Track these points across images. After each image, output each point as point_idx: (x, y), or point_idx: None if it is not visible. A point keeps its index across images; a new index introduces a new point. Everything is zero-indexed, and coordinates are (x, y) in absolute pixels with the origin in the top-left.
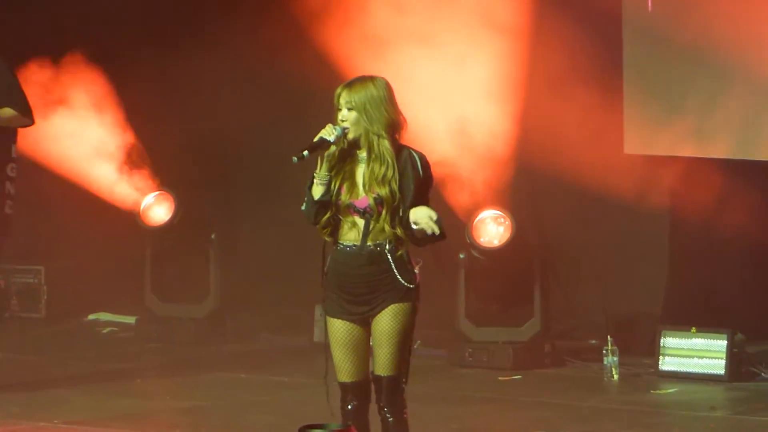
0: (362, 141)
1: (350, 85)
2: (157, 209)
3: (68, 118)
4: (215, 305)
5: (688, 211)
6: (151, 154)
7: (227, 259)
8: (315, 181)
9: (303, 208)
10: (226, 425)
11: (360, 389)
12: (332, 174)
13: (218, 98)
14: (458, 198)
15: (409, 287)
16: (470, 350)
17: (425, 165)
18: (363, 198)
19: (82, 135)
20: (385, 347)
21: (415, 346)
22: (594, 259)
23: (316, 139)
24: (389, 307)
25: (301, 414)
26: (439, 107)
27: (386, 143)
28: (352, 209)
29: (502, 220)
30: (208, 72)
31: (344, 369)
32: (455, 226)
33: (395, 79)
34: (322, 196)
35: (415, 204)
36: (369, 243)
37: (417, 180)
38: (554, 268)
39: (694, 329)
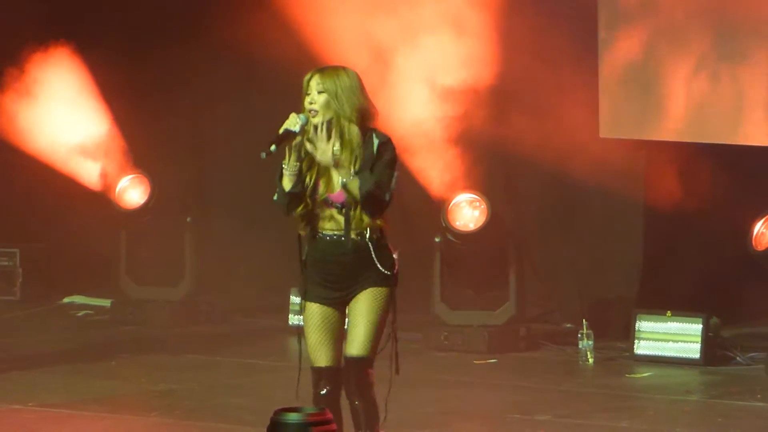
0: (334, 126)
1: (322, 70)
2: (133, 192)
3: (44, 100)
4: (190, 288)
5: (663, 195)
6: (127, 137)
7: (202, 242)
8: (284, 172)
9: (275, 198)
10: (200, 407)
11: (333, 374)
12: (301, 164)
13: (195, 81)
14: (433, 182)
15: (387, 274)
16: (446, 334)
17: (382, 144)
18: (339, 192)
19: (59, 118)
20: (360, 326)
21: (388, 332)
22: (569, 243)
23: (281, 131)
24: (366, 290)
25: (276, 397)
26: (415, 89)
27: (355, 129)
28: (329, 203)
29: (478, 203)
30: (187, 54)
31: (318, 353)
32: (430, 210)
33: (376, 64)
34: (294, 187)
35: None
36: (352, 233)
37: (370, 160)
38: (529, 251)
39: (669, 313)
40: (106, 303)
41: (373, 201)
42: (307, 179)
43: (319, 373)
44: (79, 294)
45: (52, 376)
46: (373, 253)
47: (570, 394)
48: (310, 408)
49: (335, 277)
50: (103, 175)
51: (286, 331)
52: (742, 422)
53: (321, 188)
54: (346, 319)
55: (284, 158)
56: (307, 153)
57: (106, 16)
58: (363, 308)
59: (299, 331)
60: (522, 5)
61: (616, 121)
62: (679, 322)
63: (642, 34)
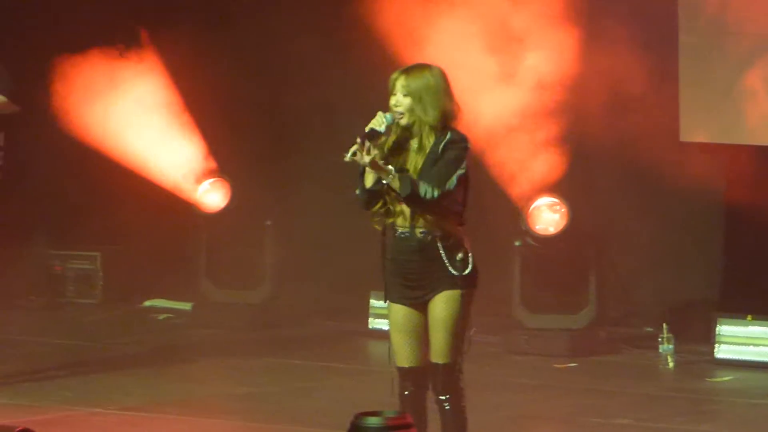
0: (414, 129)
1: (408, 71)
2: (213, 196)
3: (126, 104)
4: (270, 291)
5: (744, 199)
6: (208, 140)
7: (282, 245)
8: (367, 170)
9: (357, 192)
10: (279, 411)
11: (417, 375)
12: (384, 162)
13: (276, 84)
14: (514, 185)
15: (460, 275)
16: (526, 337)
17: (450, 143)
18: None
19: (140, 121)
20: (439, 333)
21: (470, 333)
22: (650, 247)
23: (367, 129)
24: (441, 293)
25: (355, 401)
26: (495, 95)
27: (432, 138)
28: (400, 198)
29: (558, 207)
30: (269, 57)
31: (402, 354)
32: (511, 214)
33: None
34: (374, 184)
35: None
36: (417, 231)
37: (433, 158)
38: (609, 255)
39: (750, 317)
40: (186, 306)
41: (414, 201)
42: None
43: (403, 373)
44: (159, 297)
45: (132, 380)
46: (441, 251)
47: (650, 397)
48: (390, 411)
49: (412, 276)
50: (186, 179)
51: (365, 335)
52: None
53: None
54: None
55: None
56: (389, 151)
57: (186, 19)
58: (439, 315)
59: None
60: (604, 8)
61: (696, 124)
62: (761, 326)
63: (722, 37)
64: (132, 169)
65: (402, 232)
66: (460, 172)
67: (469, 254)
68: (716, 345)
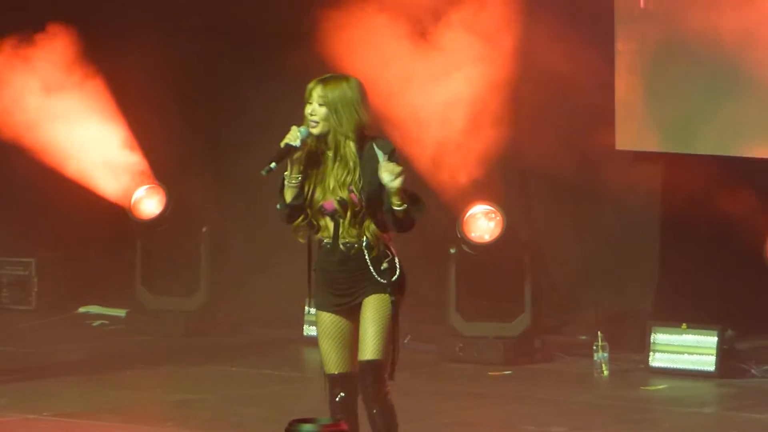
0: (329, 139)
1: (325, 81)
2: (148, 202)
3: (60, 110)
4: (206, 298)
5: (679, 208)
6: (143, 146)
7: (218, 252)
8: (285, 183)
9: (278, 207)
10: (215, 418)
11: (347, 381)
12: (302, 176)
13: (211, 91)
14: (449, 193)
15: (388, 281)
16: (460, 345)
17: (391, 157)
18: (330, 201)
19: (75, 127)
20: (369, 331)
21: (405, 341)
22: (585, 255)
23: (282, 145)
24: (370, 296)
25: (291, 407)
26: (430, 101)
27: (351, 146)
28: (323, 212)
29: (493, 215)
30: (205, 63)
31: (331, 360)
32: (446, 221)
33: (390, 72)
34: (295, 199)
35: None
36: (341, 243)
37: (372, 168)
38: (545, 263)
39: (684, 325)
40: (121, 313)
41: (411, 223)
42: (306, 188)
43: (333, 380)
44: (94, 304)
45: (67, 386)
46: (368, 260)
47: (585, 406)
48: (324, 419)
49: (339, 285)
50: (120, 185)
51: (301, 342)
52: None
53: (317, 196)
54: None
55: (286, 169)
56: (306, 164)
57: (125, 27)
58: (368, 315)
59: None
60: (539, 18)
61: (632, 133)
62: (695, 335)
63: (658, 45)
64: (67, 175)
65: (327, 243)
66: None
67: (396, 261)
68: (651, 353)
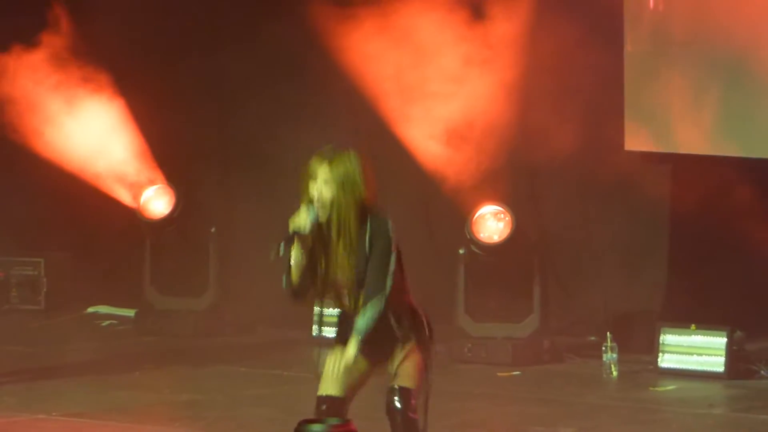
0: (334, 217)
1: (327, 158)
2: (157, 202)
3: (69, 111)
4: (214, 299)
5: (689, 208)
6: (152, 147)
7: (227, 252)
8: (292, 262)
9: (283, 286)
10: (224, 418)
11: (337, 404)
12: (315, 256)
13: (221, 91)
14: (458, 193)
15: (411, 335)
16: (469, 346)
17: (375, 233)
18: (340, 276)
19: (84, 127)
20: (403, 365)
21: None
22: (594, 256)
23: (290, 230)
24: (399, 349)
25: (300, 408)
26: (440, 103)
27: (353, 226)
28: (336, 286)
29: (502, 215)
30: (214, 65)
31: (329, 383)
32: (455, 222)
33: (402, 71)
34: (302, 280)
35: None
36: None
37: (364, 257)
38: (554, 264)
39: (693, 326)
40: (130, 313)
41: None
42: (317, 263)
43: (323, 401)
44: (103, 304)
45: (76, 386)
46: (392, 324)
47: (594, 406)
48: (334, 419)
49: (364, 348)
50: (129, 185)
51: (310, 342)
52: None
53: (330, 271)
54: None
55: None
56: (316, 240)
57: (132, 30)
58: (400, 360)
59: (320, 342)
60: (550, 18)
61: (641, 133)
62: (704, 336)
63: (667, 46)
64: (76, 175)
65: (348, 314)
66: (391, 266)
67: (422, 317)
68: (660, 354)
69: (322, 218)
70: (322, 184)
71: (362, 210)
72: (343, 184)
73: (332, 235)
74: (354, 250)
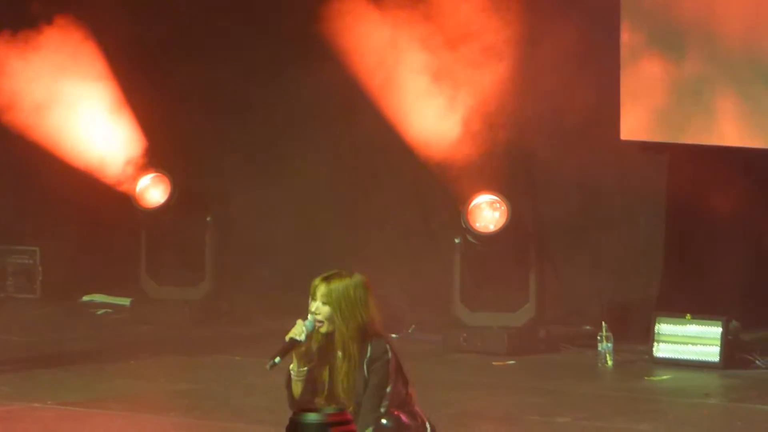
0: (336, 338)
1: (329, 279)
2: (153, 191)
3: (66, 100)
4: (210, 288)
5: (684, 198)
6: (148, 136)
7: (223, 242)
8: (293, 377)
9: (288, 403)
10: (220, 407)
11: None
12: (309, 368)
13: (217, 80)
14: (454, 183)
15: None
16: (465, 335)
17: (371, 363)
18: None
19: (81, 116)
20: None
21: (410, 331)
22: (589, 245)
23: (287, 339)
24: None
25: None
26: (436, 91)
27: (355, 352)
28: (337, 400)
29: (498, 205)
30: (209, 54)
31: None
32: (450, 211)
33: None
34: (303, 394)
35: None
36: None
37: (363, 384)
38: (549, 253)
39: (689, 316)
40: (125, 302)
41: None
42: (322, 378)
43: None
44: (99, 292)
45: (72, 375)
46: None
47: (589, 396)
48: (329, 408)
49: None
50: (125, 174)
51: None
52: (761, 426)
53: (335, 387)
54: None
55: (292, 363)
56: (318, 353)
57: (128, 16)
58: None
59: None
60: (544, 6)
61: (637, 123)
62: (699, 326)
63: (664, 35)
64: (72, 163)
65: None
66: (388, 390)
67: (424, 421)
68: (655, 344)
69: (322, 331)
70: (320, 303)
71: (363, 333)
72: (341, 305)
73: (337, 355)
74: (353, 372)
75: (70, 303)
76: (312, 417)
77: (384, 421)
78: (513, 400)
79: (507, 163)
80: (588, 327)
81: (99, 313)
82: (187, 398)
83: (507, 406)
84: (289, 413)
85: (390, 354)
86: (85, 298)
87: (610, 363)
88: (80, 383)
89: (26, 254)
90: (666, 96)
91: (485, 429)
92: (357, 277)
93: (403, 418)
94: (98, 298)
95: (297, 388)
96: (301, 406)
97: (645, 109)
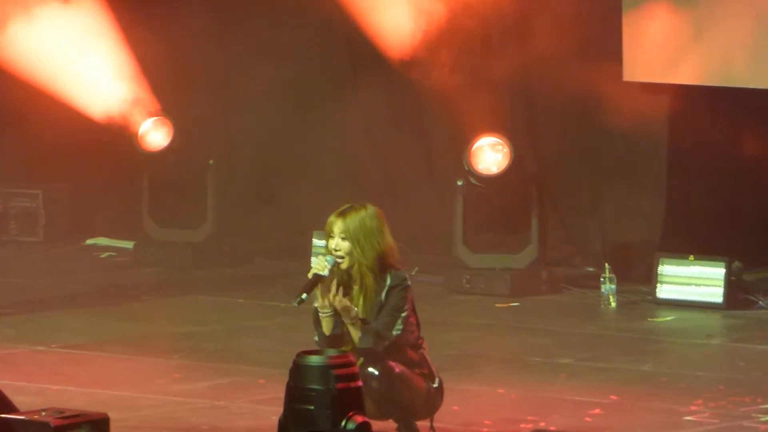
0: (354, 272)
1: (344, 214)
2: (156, 134)
3: (68, 40)
4: (212, 230)
5: (687, 139)
6: (150, 78)
7: (225, 184)
8: (320, 315)
9: (315, 339)
10: (223, 349)
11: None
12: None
13: (220, 22)
14: (456, 125)
15: None
16: (468, 277)
17: (391, 288)
18: None
19: (82, 58)
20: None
21: (413, 273)
22: (592, 187)
23: (310, 275)
24: None
25: (298, 339)
26: (441, 33)
27: (371, 281)
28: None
29: (500, 147)
30: None
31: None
32: (453, 153)
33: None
34: (334, 329)
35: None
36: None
37: (378, 306)
38: (552, 195)
39: (691, 257)
40: (129, 245)
41: (371, 352)
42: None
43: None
44: (102, 236)
45: (75, 318)
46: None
47: (592, 337)
48: (332, 350)
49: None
50: (127, 117)
51: (307, 274)
52: (763, 366)
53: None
54: None
55: (316, 300)
56: (339, 289)
57: None
58: None
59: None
60: None
61: (639, 64)
62: (702, 266)
63: None
64: (73, 107)
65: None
66: (403, 315)
67: (433, 372)
68: (658, 285)
69: (344, 266)
70: (339, 239)
71: (381, 263)
72: (359, 237)
73: (354, 289)
74: (370, 301)
75: (73, 246)
76: (315, 359)
77: (371, 369)
78: (516, 341)
79: (509, 105)
80: (591, 268)
81: (103, 256)
82: (190, 340)
83: (510, 347)
84: (292, 356)
85: (409, 282)
86: (89, 241)
87: (613, 304)
88: (84, 326)
89: (29, 197)
90: (668, 36)
91: (488, 370)
92: (371, 209)
93: (396, 368)
94: (102, 241)
95: (327, 324)
96: (332, 342)
97: (646, 49)
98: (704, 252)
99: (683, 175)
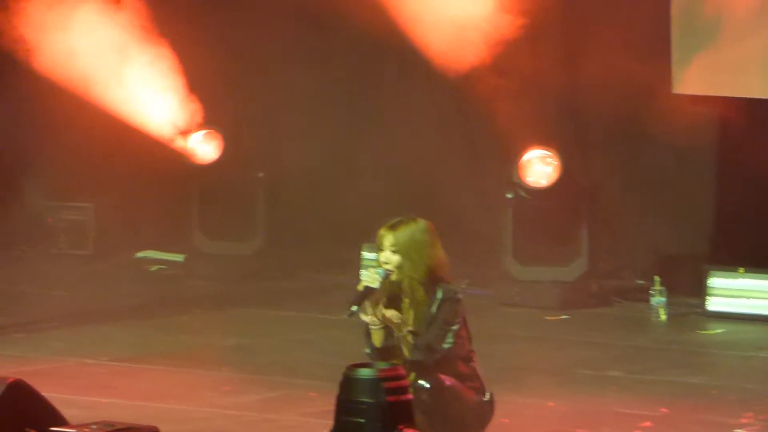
0: (404, 285)
1: (395, 227)
2: (205, 147)
3: (120, 57)
4: (262, 243)
5: (735, 151)
6: (200, 92)
7: (274, 197)
8: (370, 328)
9: (366, 352)
10: (271, 363)
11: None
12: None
13: (268, 36)
14: (505, 137)
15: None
16: (516, 289)
17: (442, 302)
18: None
19: (133, 73)
20: None
21: (462, 286)
22: (642, 199)
23: (360, 287)
24: None
25: (347, 352)
26: (489, 46)
27: (422, 294)
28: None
29: (550, 159)
30: (261, 9)
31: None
32: (502, 166)
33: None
34: (384, 341)
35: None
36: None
37: (429, 319)
38: (601, 207)
39: (741, 269)
40: (179, 258)
41: (422, 365)
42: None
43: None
44: (152, 249)
45: (125, 331)
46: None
47: (642, 350)
48: (382, 363)
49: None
50: (177, 130)
51: (357, 286)
52: None
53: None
54: None
55: (366, 313)
56: (388, 303)
57: None
58: None
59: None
60: None
61: (688, 76)
62: (752, 279)
63: None
64: (124, 120)
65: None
66: (454, 328)
67: (483, 386)
68: (708, 297)
69: (393, 279)
70: (389, 252)
71: (431, 276)
72: (410, 251)
73: (405, 302)
74: (421, 314)
75: (123, 259)
76: (365, 372)
77: (422, 382)
78: (565, 353)
79: (558, 117)
80: (640, 281)
81: (153, 269)
82: (239, 353)
83: (559, 360)
84: (342, 369)
85: (460, 296)
86: (139, 254)
87: (663, 317)
88: (133, 339)
89: (79, 210)
90: (718, 49)
91: (537, 382)
92: (421, 222)
93: (447, 381)
94: (151, 254)
95: (377, 337)
96: (383, 355)
97: (697, 62)
98: (754, 264)
99: (732, 187)
